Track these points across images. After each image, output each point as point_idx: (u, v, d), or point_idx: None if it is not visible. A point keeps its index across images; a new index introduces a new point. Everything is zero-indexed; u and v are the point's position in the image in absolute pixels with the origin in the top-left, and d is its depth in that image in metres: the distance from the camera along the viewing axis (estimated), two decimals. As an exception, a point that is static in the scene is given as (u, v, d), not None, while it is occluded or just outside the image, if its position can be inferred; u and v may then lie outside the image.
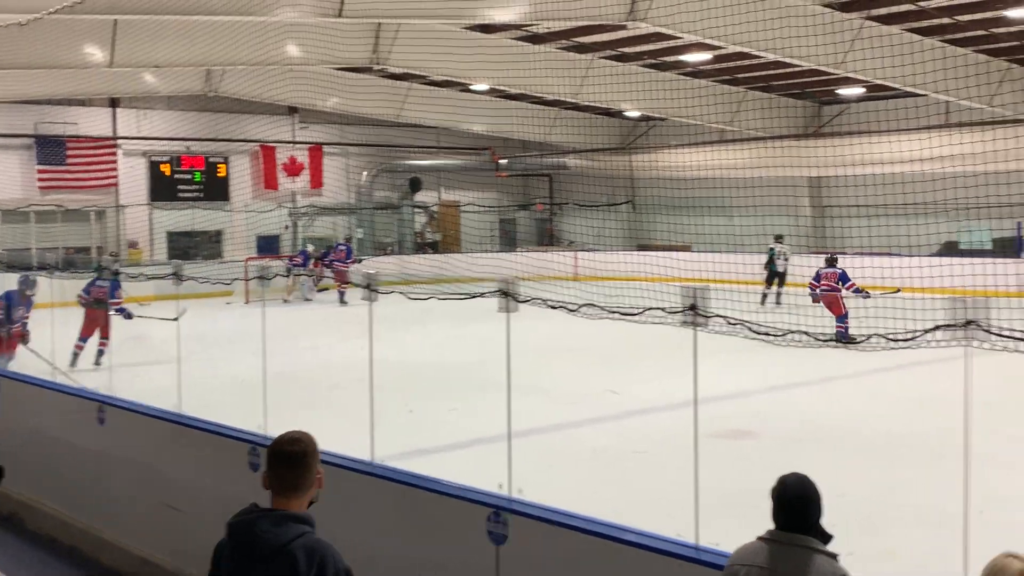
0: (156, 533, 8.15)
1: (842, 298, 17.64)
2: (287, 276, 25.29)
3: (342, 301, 25.39)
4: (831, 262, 18.88)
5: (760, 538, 3.81)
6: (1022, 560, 3.05)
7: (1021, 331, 4.30)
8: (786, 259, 24.68)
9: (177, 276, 9.09)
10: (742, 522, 4.08)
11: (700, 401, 5.20)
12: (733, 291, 11.98)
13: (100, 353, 15.35)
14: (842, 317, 17.09)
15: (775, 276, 24.51)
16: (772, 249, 24.61)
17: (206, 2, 14.19)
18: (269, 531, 3.46)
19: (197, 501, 7.72)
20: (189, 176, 31.22)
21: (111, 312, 15.02)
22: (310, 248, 28.36)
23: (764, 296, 23.97)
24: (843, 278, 17.99)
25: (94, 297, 15.30)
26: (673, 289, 5.82)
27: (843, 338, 14.58)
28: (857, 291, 17.74)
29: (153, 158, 30.63)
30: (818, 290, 18.23)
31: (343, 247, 28.05)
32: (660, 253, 26.96)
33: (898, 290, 16.98)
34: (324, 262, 27.19)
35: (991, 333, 4.08)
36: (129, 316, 15.12)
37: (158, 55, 19.72)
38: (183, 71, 24.43)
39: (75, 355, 15.15)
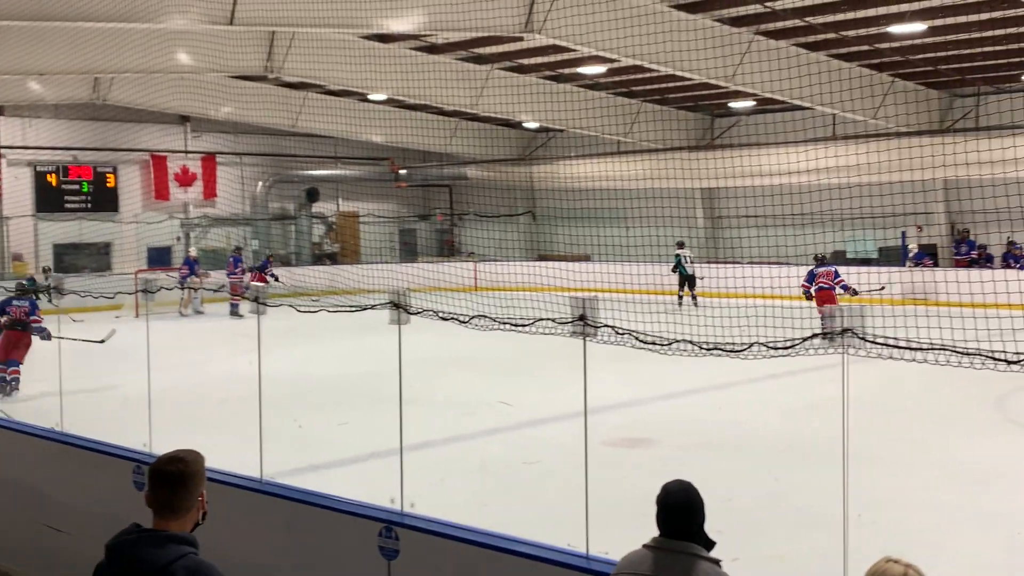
0: (35, 554, 7.91)
1: (836, 296, 18.12)
2: (182, 289, 24.69)
3: (234, 313, 24.93)
4: (821, 260, 19.26)
5: (645, 546, 3.84)
6: (902, 565, 3.12)
7: (894, 338, 4.43)
8: (691, 262, 25.72)
9: (57, 290, 8.80)
10: (634, 530, 4.11)
11: (594, 410, 5.26)
12: (631, 300, 12.16)
13: (10, 382, 14.14)
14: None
15: (686, 280, 25.57)
16: (678, 255, 25.58)
17: (91, 8, 13.83)
18: (149, 552, 3.38)
19: (80, 522, 7.51)
20: (77, 186, 30.38)
21: (33, 333, 14.04)
22: (192, 252, 27.86)
23: (680, 299, 24.83)
24: (836, 275, 18.49)
25: (15, 317, 14.21)
26: (567, 300, 5.87)
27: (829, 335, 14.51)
28: (845, 288, 18.28)
29: (39, 168, 29.75)
30: (812, 289, 18.56)
31: (232, 258, 27.54)
32: (559, 263, 27.26)
33: (883, 288, 17.57)
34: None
35: (866, 340, 4.20)
36: (48, 337, 13.64)
37: (43, 62, 19.17)
38: (69, 78, 23.83)
39: (4, 381, 14.04)
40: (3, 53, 17.88)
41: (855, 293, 18.17)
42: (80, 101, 26.15)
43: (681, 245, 25.89)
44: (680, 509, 3.80)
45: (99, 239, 30.16)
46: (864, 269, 23.53)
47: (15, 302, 14.41)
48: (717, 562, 3.75)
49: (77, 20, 14.39)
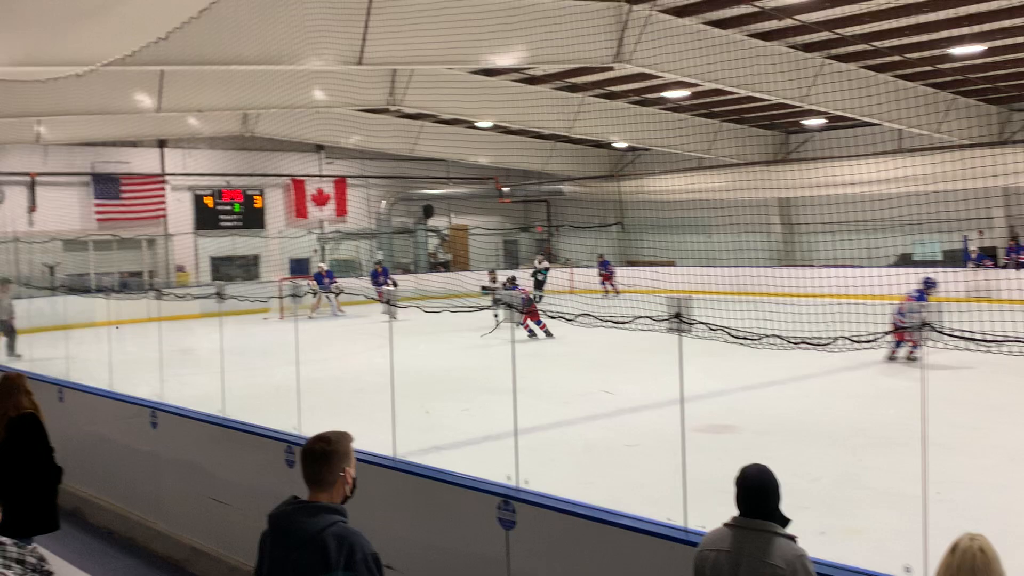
0: (203, 524, 8.13)
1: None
2: (314, 295, 24.99)
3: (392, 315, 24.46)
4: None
5: (725, 524, 3.78)
6: (978, 540, 3.01)
7: (968, 331, 4.28)
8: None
9: (220, 295, 9.10)
10: (723, 507, 4.06)
11: (685, 399, 5.19)
12: (716, 300, 12.00)
13: None
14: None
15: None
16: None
17: (242, 53, 14.19)
18: (304, 520, 3.44)
19: (239, 495, 7.71)
20: (229, 207, 31.25)
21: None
22: (323, 266, 27.90)
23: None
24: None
25: None
26: (659, 299, 5.81)
27: (909, 329, 12.02)
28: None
29: (197, 191, 30.67)
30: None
31: (373, 272, 27.40)
32: (647, 268, 27.06)
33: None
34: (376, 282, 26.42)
35: (943, 334, 4.07)
36: None
37: (200, 101, 19.74)
38: (223, 114, 24.47)
39: None
40: (169, 94, 18.48)
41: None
42: (231, 134, 26.78)
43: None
44: (756, 490, 3.73)
45: (248, 252, 30.99)
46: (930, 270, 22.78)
47: None
48: (793, 538, 3.67)
49: (230, 64, 14.75)
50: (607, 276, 29.33)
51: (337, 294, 25.21)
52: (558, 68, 20.64)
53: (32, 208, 27.47)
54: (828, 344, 4.87)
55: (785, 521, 3.71)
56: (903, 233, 22.79)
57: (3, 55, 12.86)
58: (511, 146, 30.05)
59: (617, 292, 27.12)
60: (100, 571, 7.51)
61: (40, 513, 6.93)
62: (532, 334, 18.73)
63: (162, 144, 29.72)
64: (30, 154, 27.02)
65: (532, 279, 26.80)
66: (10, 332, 18.43)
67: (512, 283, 20.55)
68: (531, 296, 19.83)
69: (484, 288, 21.50)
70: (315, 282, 25.95)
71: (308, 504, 3.51)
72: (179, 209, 30.17)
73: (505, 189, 35.25)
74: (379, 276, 26.59)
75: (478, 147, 29.64)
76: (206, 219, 30.69)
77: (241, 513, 7.49)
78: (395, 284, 25.61)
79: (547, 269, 27.72)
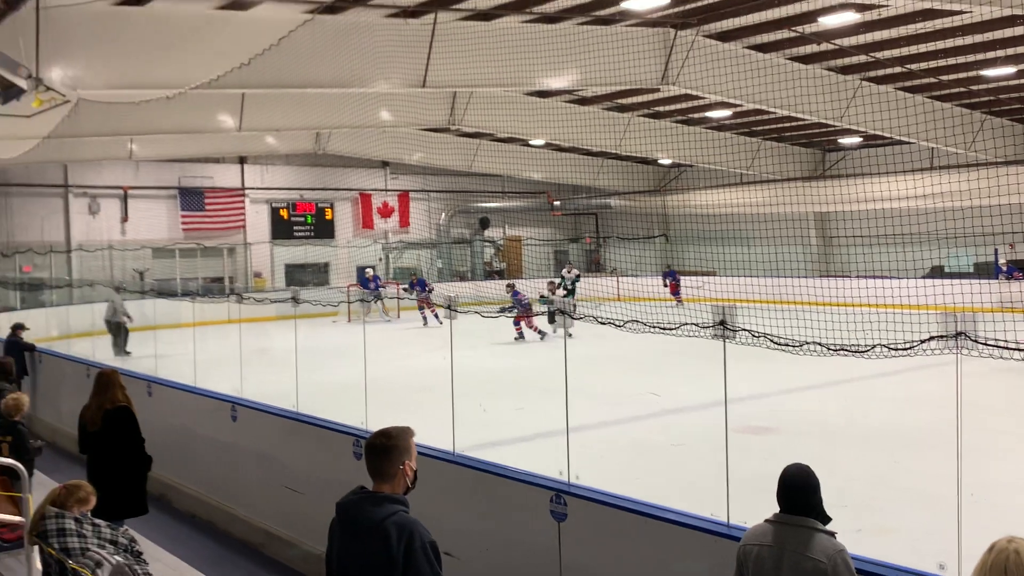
0: (278, 511, 8.23)
1: None
2: (371, 301, 24.27)
3: (434, 321, 23.75)
4: None
5: (767, 520, 3.74)
6: (1015, 543, 2.93)
7: (1003, 340, 4.18)
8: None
9: (295, 299, 9.22)
10: (765, 504, 4.00)
11: (728, 402, 5.14)
12: (754, 309, 11.83)
13: None
14: None
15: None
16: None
17: (316, 77, 14.39)
18: (368, 509, 3.45)
19: (311, 484, 7.79)
20: (302, 219, 31.68)
21: None
22: (370, 271, 26.98)
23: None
24: None
25: None
26: (702, 307, 5.76)
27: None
28: None
29: (273, 204, 31.15)
30: None
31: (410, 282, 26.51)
32: (690, 277, 26.79)
33: None
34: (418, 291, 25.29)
35: (978, 343, 3.97)
36: None
37: (278, 121, 20.06)
38: (298, 133, 24.82)
39: None
40: (249, 115, 18.80)
41: None
42: (305, 151, 27.15)
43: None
44: (798, 488, 3.69)
45: (319, 260, 31.37)
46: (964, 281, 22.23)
47: None
48: (832, 534, 3.61)
49: (306, 87, 14.97)
50: (674, 286, 27.84)
51: (377, 299, 24.42)
52: (607, 89, 20.59)
53: (125, 219, 28.14)
54: (866, 351, 4.78)
55: (826, 519, 3.65)
56: (936, 247, 22.26)
57: (102, 80, 13.22)
58: (562, 162, 30.05)
59: (680, 302, 25.86)
60: (184, 552, 7.64)
61: (131, 498, 7.09)
62: (520, 336, 19.24)
63: (242, 160, 30.27)
64: (123, 169, 27.70)
65: (562, 288, 26.46)
66: (117, 331, 18.99)
67: (513, 290, 20.42)
68: (527, 302, 19.87)
69: (542, 297, 21.50)
70: (360, 285, 25.54)
71: (372, 494, 3.52)
72: (257, 220, 30.69)
73: (556, 203, 35.23)
74: (415, 286, 25.56)
75: (532, 163, 29.67)
76: (281, 229, 31.15)
77: (313, 501, 7.57)
78: (431, 289, 25.00)
79: (578, 277, 27.46)
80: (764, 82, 17.20)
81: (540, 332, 19.42)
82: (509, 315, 17.38)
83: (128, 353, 18.13)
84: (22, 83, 8.50)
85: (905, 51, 17.12)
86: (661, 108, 23.70)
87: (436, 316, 23.51)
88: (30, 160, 20.89)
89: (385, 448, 3.57)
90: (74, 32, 12.02)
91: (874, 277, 22.06)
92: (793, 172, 28.48)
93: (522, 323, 19.36)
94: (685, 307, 21.85)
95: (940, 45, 16.46)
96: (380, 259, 32.68)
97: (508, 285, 21.11)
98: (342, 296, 23.11)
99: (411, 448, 3.64)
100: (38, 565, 5.17)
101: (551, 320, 18.05)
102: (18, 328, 15.22)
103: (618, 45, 15.82)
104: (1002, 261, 24.52)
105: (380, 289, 25.17)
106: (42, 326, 18.92)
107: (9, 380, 9.80)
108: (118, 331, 19.00)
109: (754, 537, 3.74)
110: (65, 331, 19.69)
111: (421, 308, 24.41)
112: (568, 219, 37.35)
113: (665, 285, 27.95)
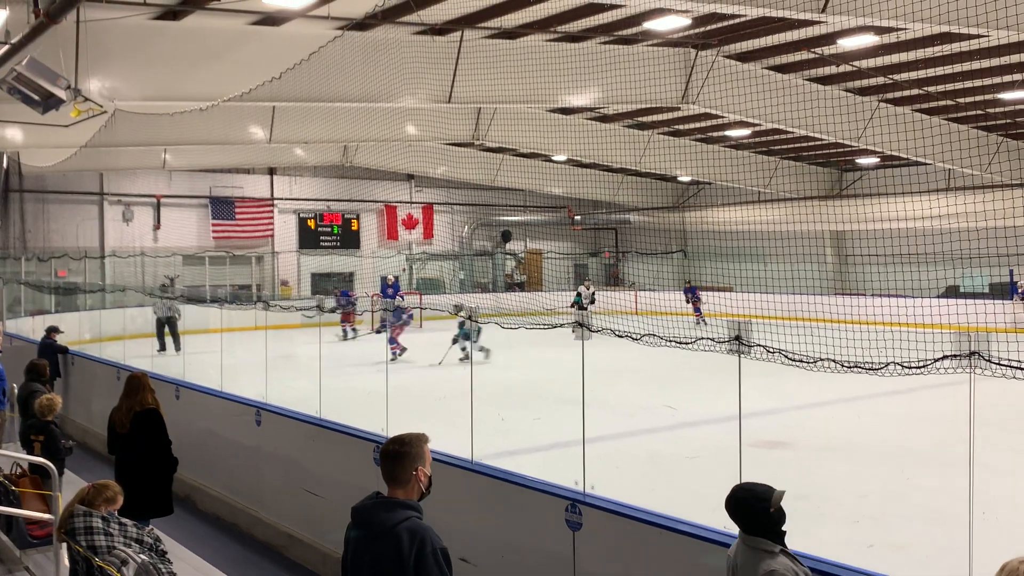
0: (300, 514, 8.24)
1: None
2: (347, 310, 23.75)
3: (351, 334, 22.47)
4: None
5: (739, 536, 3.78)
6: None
7: (1017, 361, 4.12)
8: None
9: (320, 308, 9.27)
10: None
11: (742, 416, 5.10)
12: (770, 325, 11.75)
13: None
14: None
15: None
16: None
17: (345, 92, 14.48)
18: (382, 515, 3.44)
19: (332, 489, 7.80)
20: (329, 229, 31.86)
21: None
22: (389, 277, 25.97)
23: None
24: None
25: None
26: (719, 322, 5.72)
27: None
28: None
29: (301, 215, 31.34)
30: None
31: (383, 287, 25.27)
32: (706, 292, 26.67)
33: None
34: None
35: (991, 362, 3.92)
36: None
37: (307, 133, 20.19)
38: (326, 146, 24.96)
39: None
40: (279, 127, 18.95)
41: None
42: (333, 163, 27.26)
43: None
44: (736, 510, 3.71)
45: (344, 269, 31.51)
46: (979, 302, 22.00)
47: None
48: (776, 553, 3.58)
49: (333, 101, 15.06)
50: (696, 302, 27.15)
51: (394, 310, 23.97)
52: (629, 107, 20.61)
53: (157, 226, 28.41)
54: (880, 369, 4.74)
55: (779, 536, 3.63)
56: (951, 267, 22.06)
57: (138, 92, 13.38)
58: (583, 178, 30.06)
59: (702, 319, 25.11)
60: (207, 552, 7.67)
61: (157, 498, 7.13)
62: (399, 350, 18.17)
63: (272, 171, 30.50)
64: (156, 179, 27.98)
65: (576, 306, 26.26)
66: (162, 327, 19.12)
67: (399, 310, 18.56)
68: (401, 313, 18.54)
69: (578, 295, 21.34)
70: (379, 294, 24.91)
71: (386, 500, 3.52)
72: (285, 230, 30.88)
73: (577, 217, 35.24)
74: (387, 289, 24.57)
75: (553, 179, 29.70)
76: (308, 239, 31.33)
77: (333, 505, 7.57)
78: (403, 297, 24.47)
79: (594, 296, 27.31)
80: (783, 102, 17.13)
81: (403, 348, 18.19)
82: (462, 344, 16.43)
83: (176, 351, 18.21)
84: (61, 94, 8.61)
85: (923, 73, 17.01)
86: (681, 126, 23.66)
87: (354, 330, 22.50)
88: (67, 168, 21.15)
89: (399, 454, 3.56)
90: (112, 45, 12.19)
91: (889, 296, 21.86)
92: (810, 191, 28.32)
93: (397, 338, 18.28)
94: (707, 325, 21.67)
95: (957, 68, 16.35)
96: (404, 269, 32.78)
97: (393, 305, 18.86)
98: (367, 305, 23.15)
99: (425, 455, 3.62)
100: (66, 562, 5.21)
101: (455, 341, 17.20)
102: (52, 331, 15.37)
103: (640, 64, 15.83)
104: (1019, 282, 24.25)
105: (399, 297, 24.99)
106: (75, 329, 19.08)
107: (42, 381, 9.91)
108: (173, 327, 19.18)
109: (732, 550, 3.81)
110: (97, 334, 19.83)
111: (343, 321, 22.65)
112: (588, 233, 37.32)
113: (688, 302, 27.64)
